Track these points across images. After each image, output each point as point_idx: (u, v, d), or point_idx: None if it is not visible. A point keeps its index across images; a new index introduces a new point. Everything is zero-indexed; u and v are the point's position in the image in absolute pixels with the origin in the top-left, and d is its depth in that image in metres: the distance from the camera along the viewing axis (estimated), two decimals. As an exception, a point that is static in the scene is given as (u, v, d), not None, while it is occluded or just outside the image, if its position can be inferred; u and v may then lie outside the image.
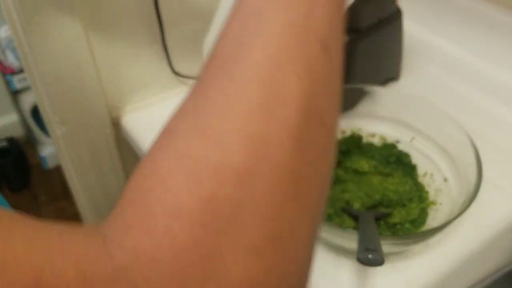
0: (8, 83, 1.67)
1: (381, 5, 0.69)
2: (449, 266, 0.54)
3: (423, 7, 0.86)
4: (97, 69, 0.71)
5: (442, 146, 0.60)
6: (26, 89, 1.71)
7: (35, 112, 1.74)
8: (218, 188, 0.21)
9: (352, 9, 0.66)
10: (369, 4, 0.66)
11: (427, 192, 0.60)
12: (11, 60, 1.61)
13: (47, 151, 1.81)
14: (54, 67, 0.66)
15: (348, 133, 0.66)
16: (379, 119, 0.66)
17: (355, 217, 0.56)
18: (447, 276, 0.54)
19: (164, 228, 0.20)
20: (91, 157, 0.79)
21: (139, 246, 0.20)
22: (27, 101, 1.73)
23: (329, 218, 0.56)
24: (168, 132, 0.24)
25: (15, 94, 1.73)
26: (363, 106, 0.67)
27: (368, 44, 0.68)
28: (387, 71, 0.77)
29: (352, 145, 0.64)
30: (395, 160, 0.63)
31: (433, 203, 0.58)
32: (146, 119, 0.76)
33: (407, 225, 0.56)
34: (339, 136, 0.66)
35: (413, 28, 0.84)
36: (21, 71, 1.63)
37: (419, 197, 0.59)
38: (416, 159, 0.63)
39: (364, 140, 0.65)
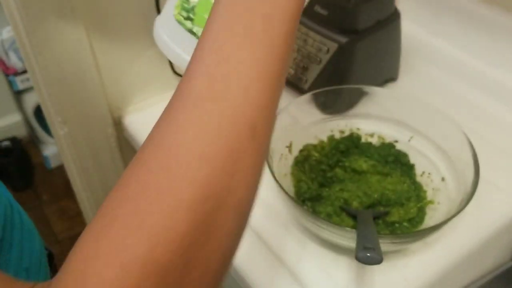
0: (11, 84, 1.68)
1: (380, 6, 0.69)
2: (447, 265, 0.54)
3: (421, 8, 0.86)
4: (99, 70, 0.71)
5: (440, 145, 0.61)
6: (29, 89, 1.71)
7: (38, 112, 1.75)
8: (143, 281, 0.24)
9: (351, 11, 0.66)
10: (367, 5, 0.67)
11: (425, 191, 0.60)
12: (14, 61, 1.62)
13: (50, 150, 1.82)
14: (57, 68, 0.66)
15: (346, 133, 0.66)
16: (377, 119, 0.66)
17: (353, 216, 0.56)
18: (445, 274, 0.54)
19: None
20: (93, 157, 0.79)
21: None
22: (30, 101, 1.74)
23: (328, 217, 0.56)
24: (103, 217, 0.26)
25: (18, 94, 1.74)
26: (362, 106, 0.67)
27: (366, 45, 0.69)
28: (386, 71, 0.78)
29: (351, 145, 0.65)
30: (393, 160, 0.63)
31: (431, 202, 0.58)
32: (147, 119, 0.76)
33: (405, 224, 0.56)
34: (339, 136, 0.66)
35: (411, 29, 0.85)
36: (24, 71, 1.64)
37: (417, 196, 0.59)
38: (414, 158, 0.63)
39: (363, 139, 0.66)
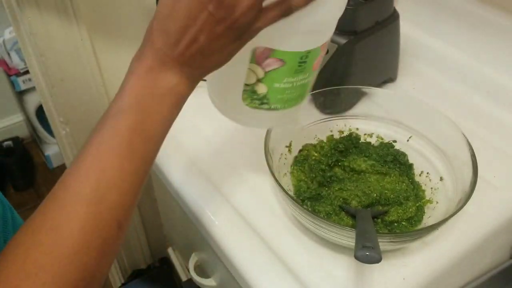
0: (13, 84, 1.69)
1: (378, 7, 0.70)
2: (446, 264, 0.55)
3: (420, 9, 0.86)
4: (101, 70, 0.72)
5: (438, 145, 0.61)
6: (31, 89, 1.72)
7: (40, 113, 1.75)
8: None
9: (350, 12, 0.67)
10: (366, 6, 0.67)
11: (423, 191, 0.60)
12: (16, 61, 1.62)
13: (52, 150, 1.83)
14: (58, 68, 0.67)
15: (346, 133, 0.67)
16: (376, 119, 0.66)
17: (353, 215, 0.57)
18: (443, 273, 0.55)
19: None
20: (94, 157, 0.80)
21: None
22: (31, 101, 1.74)
23: (327, 216, 0.57)
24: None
25: (20, 94, 1.74)
26: (361, 107, 0.68)
27: (365, 46, 0.69)
28: (385, 72, 0.78)
29: (350, 145, 0.65)
30: (392, 160, 0.63)
31: (430, 201, 0.59)
32: (149, 119, 0.77)
33: (404, 223, 0.57)
34: (338, 135, 0.67)
35: (410, 30, 0.85)
36: (26, 72, 1.65)
37: (415, 195, 0.60)
38: (412, 158, 0.63)
39: (362, 139, 0.66)
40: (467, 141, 0.56)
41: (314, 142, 0.66)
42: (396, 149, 0.64)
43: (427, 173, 0.62)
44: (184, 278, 0.93)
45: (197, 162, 0.67)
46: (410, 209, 0.57)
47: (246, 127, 0.55)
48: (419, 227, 0.56)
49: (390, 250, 0.55)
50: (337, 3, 0.48)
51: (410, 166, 0.63)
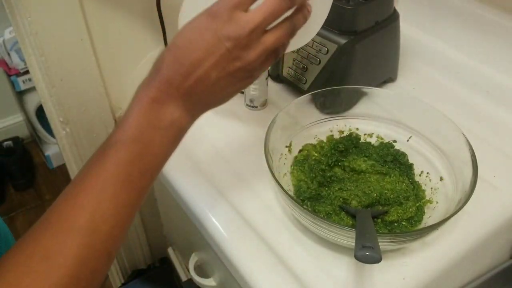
0: (13, 84, 1.69)
1: (378, 7, 0.70)
2: (446, 264, 0.55)
3: (420, 9, 0.87)
4: (101, 70, 0.72)
5: (438, 145, 0.61)
6: (31, 89, 1.72)
7: (40, 112, 1.76)
8: None
9: (350, 12, 0.67)
10: (366, 6, 0.67)
11: (423, 191, 0.60)
12: (16, 61, 1.62)
13: (52, 150, 1.83)
14: (58, 68, 0.67)
15: (346, 133, 0.67)
16: (376, 119, 0.66)
17: (353, 215, 0.57)
18: (444, 273, 0.55)
19: None
20: (94, 157, 0.80)
21: None
22: (32, 101, 1.74)
23: (327, 216, 0.57)
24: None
25: (20, 94, 1.74)
26: (361, 107, 0.68)
27: (365, 46, 0.69)
28: (385, 72, 0.78)
29: (350, 145, 0.65)
30: (392, 159, 0.63)
31: (430, 201, 0.59)
32: (149, 119, 0.77)
33: (404, 223, 0.57)
34: (338, 135, 0.67)
35: (410, 30, 0.85)
36: (26, 72, 1.65)
37: (415, 195, 0.60)
38: (412, 158, 0.63)
39: (362, 139, 0.66)
40: (467, 141, 0.57)
41: (314, 142, 0.66)
42: (396, 149, 0.64)
43: (427, 173, 0.62)
44: (184, 278, 0.93)
45: (198, 163, 0.67)
46: (410, 209, 0.57)
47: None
48: (419, 227, 0.56)
49: (390, 250, 0.55)
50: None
51: (410, 166, 0.63)
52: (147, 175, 0.41)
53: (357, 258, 0.44)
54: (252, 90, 0.74)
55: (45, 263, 0.35)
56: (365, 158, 0.64)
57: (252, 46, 0.40)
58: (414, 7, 0.87)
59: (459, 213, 0.50)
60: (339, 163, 0.64)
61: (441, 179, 0.59)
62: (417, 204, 0.58)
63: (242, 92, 0.77)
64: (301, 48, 0.72)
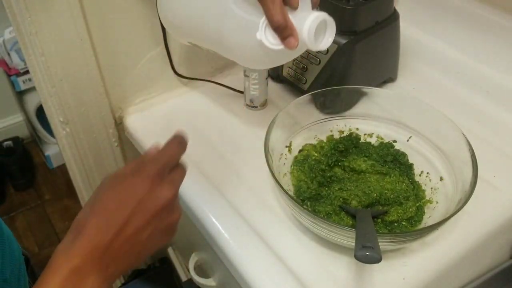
0: (13, 84, 1.69)
1: (378, 7, 0.70)
2: (446, 264, 0.55)
3: (420, 9, 0.87)
4: (101, 70, 0.72)
5: (438, 145, 0.61)
6: (31, 89, 1.72)
7: (40, 112, 1.75)
8: None
9: (350, 12, 0.67)
10: (366, 6, 0.67)
11: (423, 191, 0.60)
12: (16, 61, 1.62)
13: (52, 150, 1.83)
14: (58, 68, 0.67)
15: (346, 133, 0.67)
16: (376, 119, 0.66)
17: (352, 215, 0.57)
18: (444, 273, 0.55)
19: None
20: (94, 157, 0.80)
21: None
22: (32, 101, 1.74)
23: (327, 216, 0.57)
24: None
25: (20, 94, 1.74)
26: (361, 107, 0.68)
27: (365, 46, 0.69)
28: (385, 72, 0.78)
29: (350, 145, 0.65)
30: (392, 159, 0.63)
31: (430, 201, 0.59)
32: (149, 119, 0.77)
33: (404, 223, 0.57)
34: (338, 135, 0.67)
35: (410, 30, 0.85)
36: (26, 72, 1.65)
37: (415, 195, 0.60)
38: (412, 158, 0.63)
39: (362, 139, 0.66)
40: (467, 141, 0.57)
41: (314, 142, 0.66)
42: (396, 149, 0.64)
43: (427, 173, 0.62)
44: (184, 278, 0.93)
45: (198, 163, 0.67)
46: (410, 209, 0.57)
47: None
48: (419, 227, 0.56)
49: (390, 250, 0.55)
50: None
51: (410, 166, 0.63)
52: None
53: (357, 258, 0.44)
54: (252, 90, 0.74)
55: None
56: (365, 158, 0.64)
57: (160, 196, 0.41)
58: (414, 7, 0.87)
59: (459, 213, 0.50)
60: (339, 163, 0.64)
61: (441, 179, 0.60)
62: (417, 204, 0.58)
63: (242, 92, 0.77)
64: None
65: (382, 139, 0.66)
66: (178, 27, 0.65)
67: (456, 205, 0.52)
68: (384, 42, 0.73)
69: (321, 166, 0.62)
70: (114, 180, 0.42)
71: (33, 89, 1.71)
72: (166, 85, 0.81)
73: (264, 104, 0.76)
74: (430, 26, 0.85)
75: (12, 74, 1.66)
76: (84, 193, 0.84)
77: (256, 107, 0.76)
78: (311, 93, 0.64)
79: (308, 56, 0.71)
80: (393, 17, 0.72)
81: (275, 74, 0.79)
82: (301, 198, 0.59)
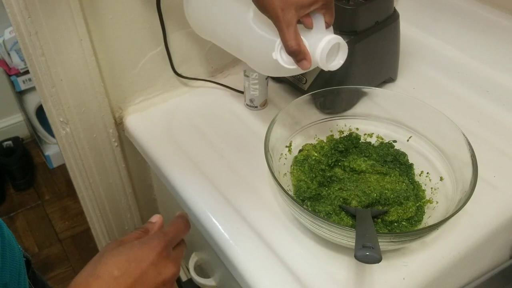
0: (13, 84, 1.69)
1: (379, 7, 0.70)
2: (446, 263, 0.55)
3: (420, 9, 0.87)
4: (101, 70, 0.72)
5: (438, 145, 0.61)
6: (31, 89, 1.72)
7: (40, 112, 1.75)
8: None
9: (350, 12, 0.67)
10: (366, 6, 0.67)
11: (423, 191, 0.60)
12: (16, 61, 1.62)
13: (52, 150, 1.82)
14: (58, 68, 0.67)
15: (346, 133, 0.67)
16: (376, 119, 0.66)
17: (352, 215, 0.57)
18: (444, 273, 0.55)
19: None
20: (94, 157, 0.80)
21: None
22: (32, 101, 1.74)
23: (327, 216, 0.57)
24: None
25: (20, 94, 1.74)
26: (361, 107, 0.68)
27: (365, 46, 0.69)
28: (385, 72, 0.78)
29: (350, 145, 0.65)
30: (392, 159, 0.63)
31: (430, 201, 0.59)
32: (149, 119, 0.77)
33: (404, 223, 0.57)
34: (338, 135, 0.67)
35: (410, 30, 0.85)
36: (26, 72, 1.65)
37: (415, 195, 0.60)
38: (412, 158, 0.63)
39: (362, 139, 0.66)
40: (467, 141, 0.57)
41: (314, 142, 0.66)
42: (396, 149, 0.64)
43: (427, 173, 0.62)
44: (184, 278, 0.94)
45: (197, 163, 0.67)
46: (410, 209, 0.57)
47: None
48: (419, 227, 0.56)
49: (390, 250, 0.55)
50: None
51: (410, 166, 0.63)
52: None
53: (357, 258, 0.44)
54: (252, 90, 0.74)
55: None
56: (365, 158, 0.64)
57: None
58: (414, 7, 0.87)
59: (459, 213, 0.50)
60: (339, 163, 0.64)
61: (441, 179, 0.60)
62: (417, 204, 0.58)
63: (242, 92, 0.77)
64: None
65: (382, 139, 0.66)
66: (201, 27, 0.68)
67: (456, 205, 0.52)
68: (384, 42, 0.73)
69: (321, 166, 0.62)
70: (120, 247, 0.41)
71: (33, 89, 1.71)
72: (166, 85, 0.81)
73: (264, 104, 0.76)
74: (430, 26, 0.85)
75: (12, 74, 1.66)
76: (84, 193, 0.84)
77: (256, 107, 0.76)
78: (311, 93, 0.64)
79: (308, 56, 0.71)
80: (393, 17, 0.72)
81: (275, 74, 0.79)
82: (301, 198, 0.59)
